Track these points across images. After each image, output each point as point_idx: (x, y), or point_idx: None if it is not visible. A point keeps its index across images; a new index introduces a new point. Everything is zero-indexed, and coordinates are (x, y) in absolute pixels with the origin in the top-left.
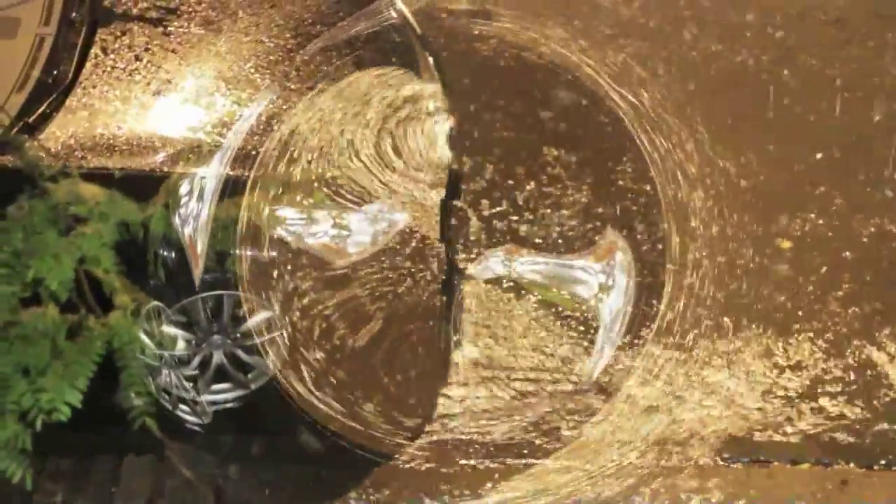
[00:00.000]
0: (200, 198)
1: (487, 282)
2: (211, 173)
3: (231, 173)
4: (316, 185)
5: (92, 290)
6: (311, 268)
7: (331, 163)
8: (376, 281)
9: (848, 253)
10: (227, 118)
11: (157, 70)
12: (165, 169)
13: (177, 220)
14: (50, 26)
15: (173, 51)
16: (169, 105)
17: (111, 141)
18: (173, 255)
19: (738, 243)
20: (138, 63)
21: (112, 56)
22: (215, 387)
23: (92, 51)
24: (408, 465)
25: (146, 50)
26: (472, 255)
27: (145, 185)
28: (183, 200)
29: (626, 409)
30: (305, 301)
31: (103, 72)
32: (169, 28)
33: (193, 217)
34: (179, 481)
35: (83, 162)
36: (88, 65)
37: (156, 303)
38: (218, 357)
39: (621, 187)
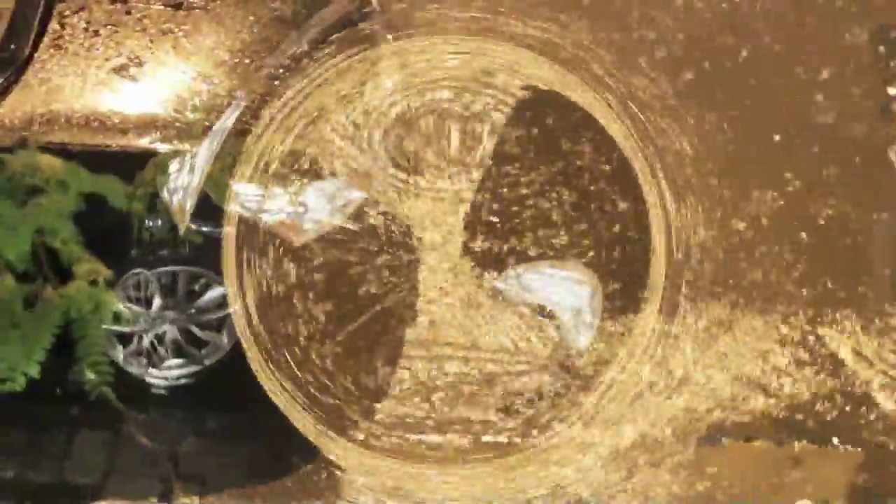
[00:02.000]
0: (190, 171)
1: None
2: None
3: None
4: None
5: (51, 262)
6: (271, 244)
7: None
8: (339, 260)
9: (804, 234)
10: (187, 95)
11: (117, 46)
12: (123, 145)
13: (165, 194)
14: (7, 0)
15: (133, 27)
16: (128, 82)
17: (69, 116)
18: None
19: (693, 224)
20: (97, 39)
21: (70, 31)
22: (168, 362)
23: (50, 25)
24: (363, 442)
25: (105, 26)
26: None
27: (105, 161)
28: (172, 175)
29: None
30: (266, 278)
31: (61, 47)
32: (129, 3)
33: (182, 188)
34: (132, 457)
35: (41, 136)
36: (46, 39)
37: (139, 270)
38: (172, 332)
39: (583, 167)
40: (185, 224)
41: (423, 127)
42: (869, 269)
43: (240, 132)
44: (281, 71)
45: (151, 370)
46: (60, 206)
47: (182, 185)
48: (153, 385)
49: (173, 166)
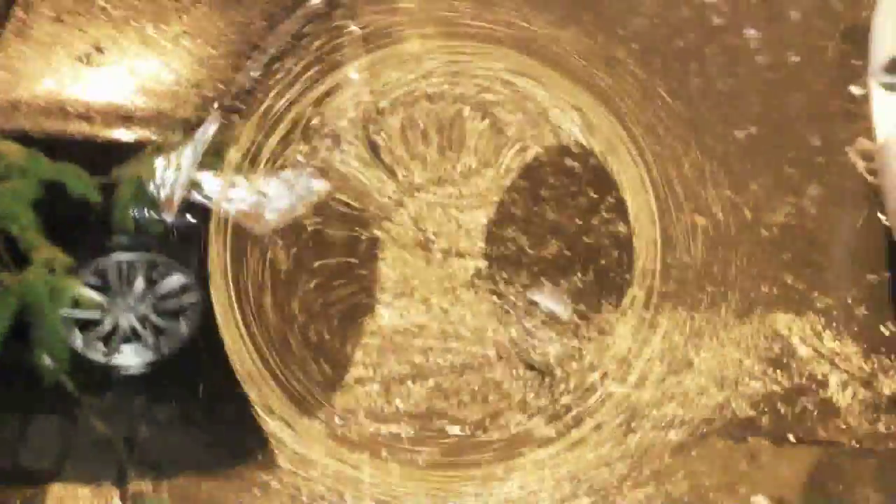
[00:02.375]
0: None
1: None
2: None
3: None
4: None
5: (9, 248)
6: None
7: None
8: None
9: (763, 231)
10: (151, 85)
11: (81, 34)
12: (85, 133)
13: (151, 188)
14: None
15: (97, 15)
16: (91, 70)
17: (31, 103)
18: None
19: (656, 219)
20: (61, 26)
21: (35, 18)
22: (126, 349)
23: (13, 12)
24: (320, 429)
25: (69, 13)
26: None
27: (67, 149)
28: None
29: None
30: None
31: (25, 34)
32: None
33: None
34: (87, 442)
35: (2, 123)
36: (10, 25)
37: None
38: (130, 320)
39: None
40: (171, 215)
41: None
42: (828, 266)
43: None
44: (257, 72)
45: (109, 357)
46: (20, 193)
47: (168, 180)
48: (111, 372)
49: (159, 163)
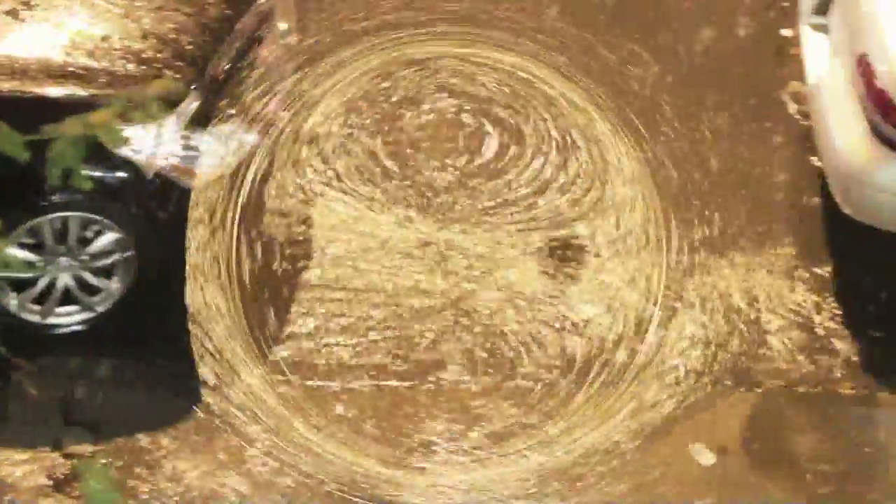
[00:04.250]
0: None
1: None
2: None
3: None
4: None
5: None
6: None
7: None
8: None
9: (697, 175)
10: (79, 40)
11: None
12: (12, 89)
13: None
14: None
15: None
16: (21, 26)
17: None
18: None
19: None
20: None
21: None
22: (60, 309)
23: None
24: (257, 387)
25: None
26: None
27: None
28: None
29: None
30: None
31: None
32: None
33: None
34: (24, 405)
35: None
36: None
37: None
38: (64, 279)
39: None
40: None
41: None
42: (760, 209)
43: (141, 79)
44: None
45: (44, 317)
46: None
47: (148, 147)
48: (46, 333)
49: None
